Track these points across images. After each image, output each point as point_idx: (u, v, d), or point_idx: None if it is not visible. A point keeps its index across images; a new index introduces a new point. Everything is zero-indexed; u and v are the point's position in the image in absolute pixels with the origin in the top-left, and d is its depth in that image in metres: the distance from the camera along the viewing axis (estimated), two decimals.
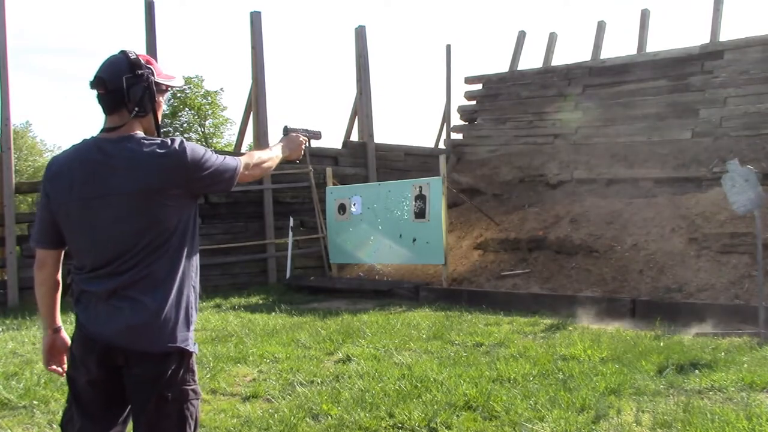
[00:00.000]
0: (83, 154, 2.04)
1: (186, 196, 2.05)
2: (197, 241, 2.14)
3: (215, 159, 2.09)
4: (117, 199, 1.97)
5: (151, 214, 1.98)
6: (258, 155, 2.31)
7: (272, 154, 2.38)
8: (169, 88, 2.25)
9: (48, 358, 2.23)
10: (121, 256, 1.98)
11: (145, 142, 2.01)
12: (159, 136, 2.10)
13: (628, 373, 4.42)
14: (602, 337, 5.66)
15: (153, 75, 2.08)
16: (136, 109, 2.04)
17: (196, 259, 2.13)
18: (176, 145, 2.01)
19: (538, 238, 9.41)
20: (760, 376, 4.20)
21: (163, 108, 2.21)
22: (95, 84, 2.04)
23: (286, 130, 2.58)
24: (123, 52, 2.06)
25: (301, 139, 2.55)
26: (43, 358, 2.25)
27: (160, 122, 2.15)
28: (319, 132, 2.70)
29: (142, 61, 2.06)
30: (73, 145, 2.10)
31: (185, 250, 2.06)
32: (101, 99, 2.06)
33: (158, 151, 1.99)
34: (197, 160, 2.03)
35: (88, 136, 2.10)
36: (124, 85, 2.02)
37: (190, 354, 2.05)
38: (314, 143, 2.80)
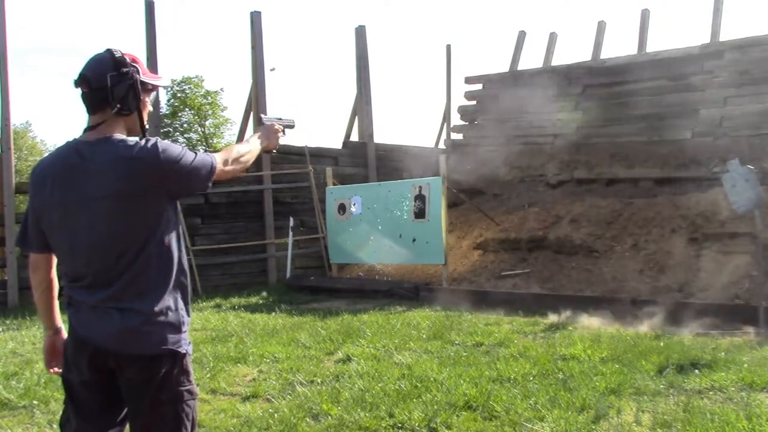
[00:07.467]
0: (63, 158, 2.00)
1: (163, 197, 1.99)
2: (181, 241, 2.10)
3: (191, 158, 2.01)
4: (94, 203, 1.93)
5: (129, 218, 1.94)
6: (237, 149, 2.24)
7: (250, 147, 2.32)
8: (156, 88, 2.20)
9: (49, 358, 2.23)
10: (101, 263, 1.95)
11: (121, 144, 1.96)
12: (144, 136, 2.04)
13: (628, 373, 4.41)
14: (602, 337, 5.66)
15: (138, 74, 2.03)
16: (118, 105, 1.99)
17: (183, 260, 2.09)
18: (149, 145, 1.95)
19: (538, 238, 9.40)
20: (760, 376, 4.20)
21: (149, 108, 2.15)
22: (80, 82, 2.00)
23: (260, 121, 2.57)
24: (108, 51, 2.02)
25: (276, 127, 2.52)
26: (44, 359, 2.25)
27: (145, 122, 2.09)
28: (293, 120, 2.69)
29: (128, 60, 2.02)
30: (57, 149, 2.07)
31: (169, 252, 2.02)
32: (85, 97, 2.02)
33: (132, 152, 1.93)
34: (171, 160, 1.96)
35: (70, 139, 2.06)
36: (108, 83, 1.97)
37: (183, 355, 2.02)
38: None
